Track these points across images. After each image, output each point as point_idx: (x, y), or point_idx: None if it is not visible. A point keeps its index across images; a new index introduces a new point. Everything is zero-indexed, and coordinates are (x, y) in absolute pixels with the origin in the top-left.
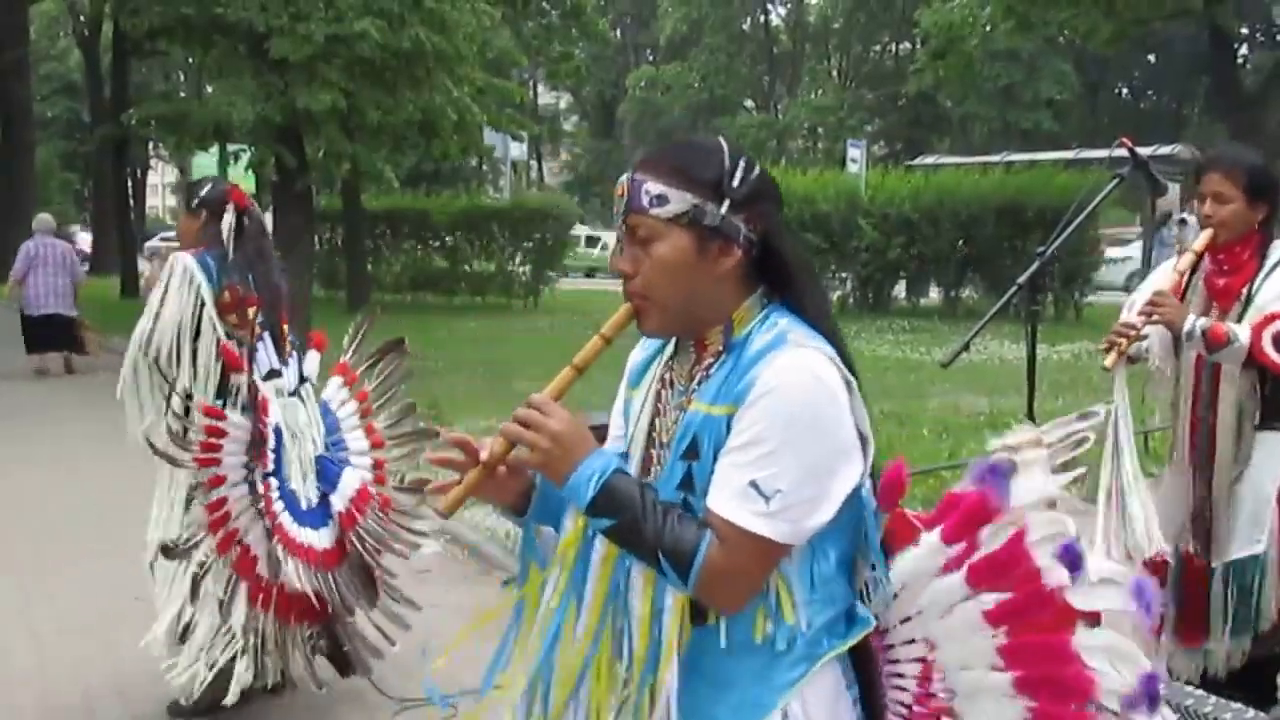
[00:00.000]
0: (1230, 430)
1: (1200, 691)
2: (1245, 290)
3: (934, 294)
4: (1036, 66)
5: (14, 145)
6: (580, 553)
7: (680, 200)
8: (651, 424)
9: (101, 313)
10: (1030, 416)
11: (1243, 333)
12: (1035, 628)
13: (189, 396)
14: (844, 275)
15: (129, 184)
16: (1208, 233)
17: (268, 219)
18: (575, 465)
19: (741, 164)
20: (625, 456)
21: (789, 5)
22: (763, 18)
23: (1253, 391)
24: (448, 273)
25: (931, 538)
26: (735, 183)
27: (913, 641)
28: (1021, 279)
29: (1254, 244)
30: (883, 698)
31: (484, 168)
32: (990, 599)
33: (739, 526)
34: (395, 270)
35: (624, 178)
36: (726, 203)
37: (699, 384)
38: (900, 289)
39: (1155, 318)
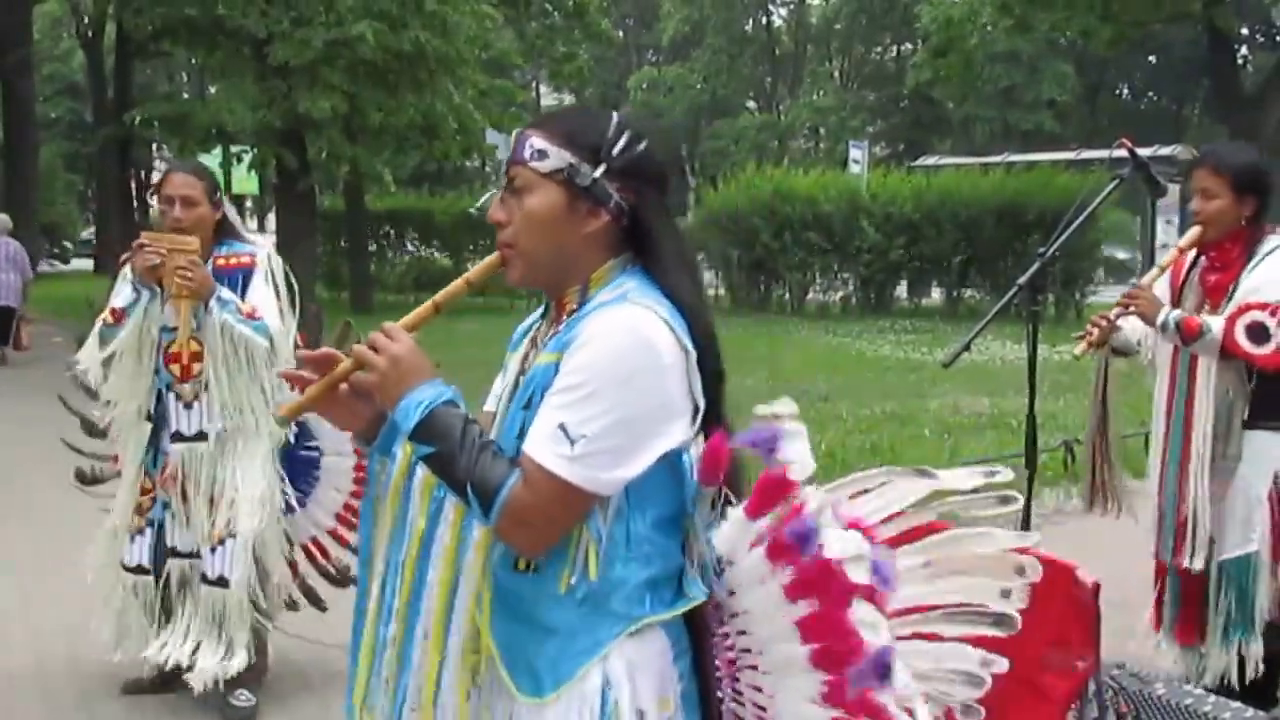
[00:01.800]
0: (1207, 427)
1: (1199, 691)
2: (1234, 285)
3: (935, 294)
4: (1037, 68)
5: (17, 146)
6: (406, 481)
7: (558, 157)
8: (515, 382)
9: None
10: (1031, 417)
11: (1216, 324)
12: (823, 601)
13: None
14: (846, 276)
15: (133, 185)
16: (1195, 229)
17: (270, 219)
18: (407, 390)
19: (626, 135)
20: (494, 415)
21: (791, 6)
22: (765, 19)
23: (1241, 388)
24: (450, 273)
25: (737, 512)
26: (614, 151)
27: (736, 615)
28: (1022, 279)
29: (1243, 240)
30: (714, 670)
31: (487, 168)
32: (787, 573)
33: (542, 466)
34: (398, 271)
35: (514, 131)
36: (602, 167)
37: (549, 339)
38: (902, 289)
39: (1131, 309)
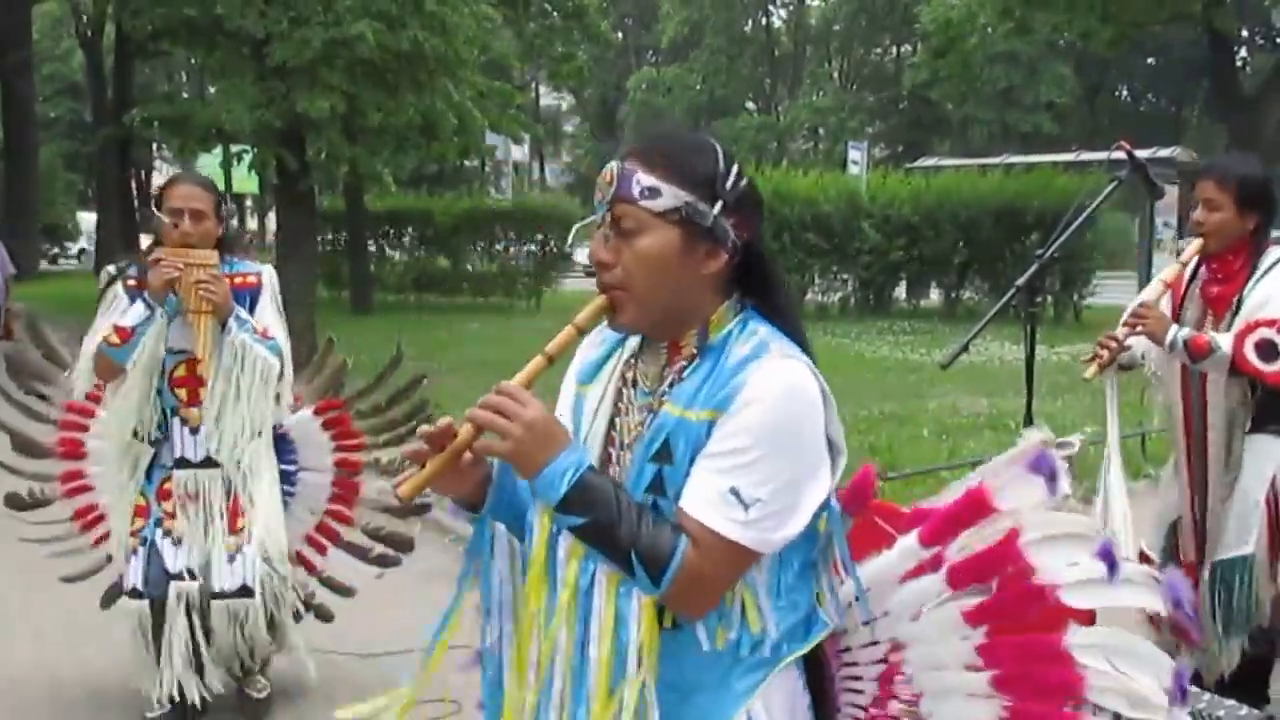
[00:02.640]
0: (1222, 438)
1: (1194, 689)
2: (1237, 298)
3: (934, 295)
4: (1036, 69)
5: (17, 145)
6: (549, 553)
7: (673, 195)
8: (611, 423)
9: None
10: (1029, 418)
11: (1225, 341)
12: (1021, 627)
13: None
14: (845, 276)
15: (133, 185)
16: (1197, 241)
17: (270, 219)
18: (549, 458)
19: (735, 166)
20: None
21: (790, 7)
22: (764, 20)
23: (1244, 398)
24: (450, 273)
25: (908, 541)
26: (728, 185)
27: (874, 644)
28: (1021, 281)
29: (1246, 252)
30: (835, 701)
31: (486, 169)
32: (972, 599)
33: (716, 532)
34: (398, 271)
35: (612, 164)
36: (719, 204)
37: (670, 386)
38: (901, 290)
39: (1139, 329)
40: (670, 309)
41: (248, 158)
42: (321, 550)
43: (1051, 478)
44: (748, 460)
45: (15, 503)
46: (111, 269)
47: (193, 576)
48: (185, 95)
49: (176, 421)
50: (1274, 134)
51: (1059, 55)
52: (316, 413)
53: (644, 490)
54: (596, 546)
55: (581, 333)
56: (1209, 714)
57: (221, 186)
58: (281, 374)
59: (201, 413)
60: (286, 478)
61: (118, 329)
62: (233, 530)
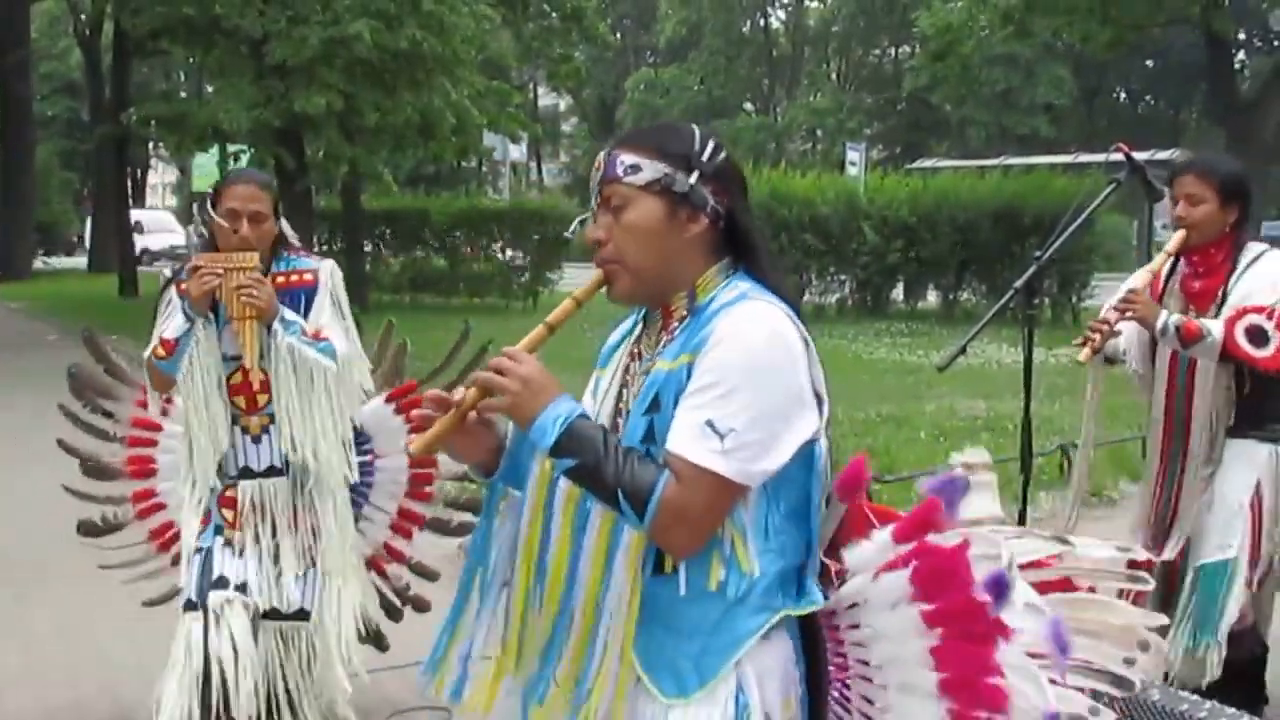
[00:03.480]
0: (1205, 431)
1: (1195, 696)
2: (1221, 291)
3: (932, 297)
4: (1034, 71)
5: (14, 144)
6: (548, 494)
7: (652, 169)
8: (619, 395)
9: (101, 312)
10: (1027, 420)
11: (1215, 327)
12: (966, 635)
13: None
14: (842, 278)
15: (129, 183)
16: (1180, 234)
17: None
18: (541, 407)
19: (711, 143)
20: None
21: (789, 8)
22: (762, 21)
23: (1228, 394)
24: (447, 273)
25: (883, 534)
26: (705, 157)
27: (857, 626)
28: (1019, 283)
29: (1227, 246)
30: (826, 676)
31: (484, 169)
32: (929, 601)
33: (694, 463)
34: (394, 271)
35: (601, 153)
36: (695, 173)
37: (663, 347)
38: (898, 292)
39: (1129, 314)
40: (661, 275)
41: (245, 157)
42: (408, 536)
43: (950, 503)
44: (720, 392)
45: (90, 530)
46: (168, 271)
47: (247, 591)
48: (183, 94)
49: (237, 430)
50: (1272, 136)
51: (1057, 58)
52: (388, 399)
53: (639, 442)
54: (587, 486)
55: (579, 304)
56: None
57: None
58: (345, 377)
59: (261, 420)
60: (363, 469)
61: (163, 341)
62: (293, 547)
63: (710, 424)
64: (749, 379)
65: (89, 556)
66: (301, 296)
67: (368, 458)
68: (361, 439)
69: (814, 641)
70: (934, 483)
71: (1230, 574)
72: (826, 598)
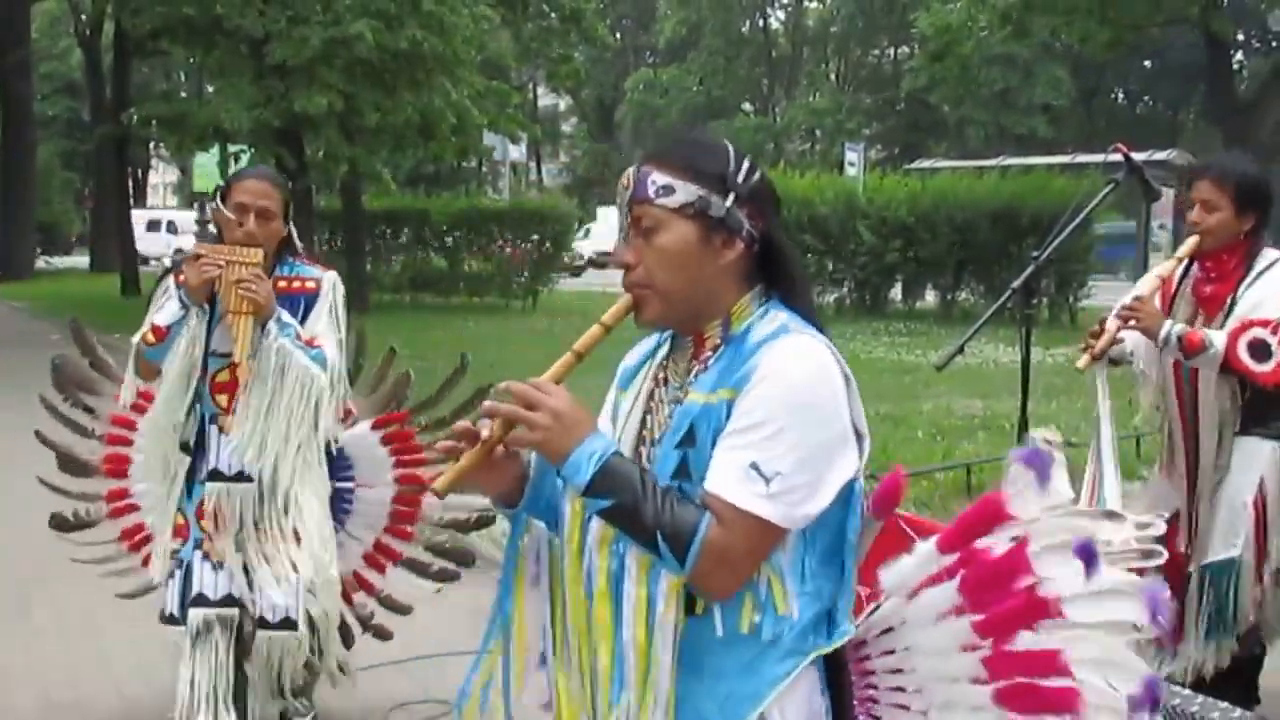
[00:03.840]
0: (1212, 435)
1: (1187, 691)
2: (1230, 298)
3: (930, 297)
4: (1032, 72)
5: (15, 144)
6: (582, 537)
7: (686, 191)
8: (642, 422)
9: (101, 311)
10: (1024, 420)
11: (1218, 339)
12: (1027, 638)
13: None
14: (841, 278)
15: (129, 183)
16: (1193, 239)
17: None
18: (575, 444)
19: (747, 163)
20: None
21: (788, 9)
22: (761, 21)
23: (1233, 398)
24: (446, 273)
25: (927, 546)
26: (740, 179)
27: (891, 652)
28: (1016, 283)
29: (1241, 253)
30: (852, 708)
31: (484, 169)
32: (982, 610)
33: (739, 507)
34: (394, 271)
35: (629, 170)
36: (732, 196)
37: (695, 377)
38: (897, 292)
39: (1132, 323)
40: (692, 301)
41: (245, 157)
42: (380, 569)
43: (1044, 474)
44: (766, 434)
45: (61, 524)
46: (167, 260)
47: (233, 603)
48: (183, 95)
49: (214, 430)
50: (1269, 137)
51: (1055, 58)
52: (375, 427)
53: (670, 476)
54: (623, 528)
55: (607, 330)
56: (1202, 716)
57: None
58: (332, 387)
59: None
60: (342, 495)
61: (154, 327)
62: (271, 555)
63: (755, 466)
64: (795, 419)
65: (89, 554)
66: (301, 303)
67: (350, 484)
68: (343, 463)
69: (839, 674)
70: (1025, 453)
71: (1237, 571)
72: (855, 628)
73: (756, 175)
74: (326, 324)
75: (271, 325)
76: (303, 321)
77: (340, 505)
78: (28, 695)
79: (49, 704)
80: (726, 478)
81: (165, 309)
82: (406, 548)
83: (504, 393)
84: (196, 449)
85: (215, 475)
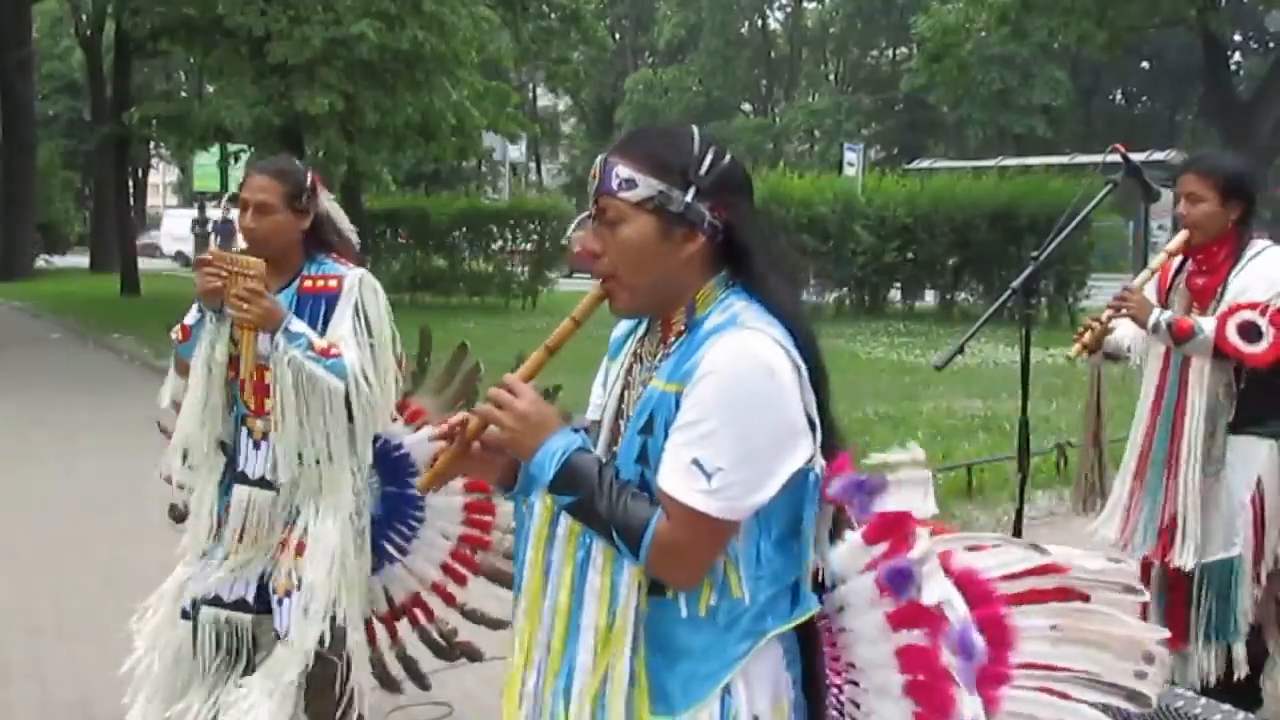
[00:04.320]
0: (1197, 431)
1: (1190, 693)
2: (1221, 288)
3: (929, 297)
4: (1031, 72)
5: (16, 143)
6: (550, 529)
7: (647, 186)
8: (621, 397)
9: (101, 310)
10: (1024, 419)
11: (1207, 324)
12: (922, 636)
13: None
14: (840, 278)
15: (130, 183)
16: (1183, 234)
17: None
18: (540, 443)
19: (710, 152)
20: (598, 424)
21: (787, 10)
22: (761, 22)
23: (1228, 392)
24: (446, 273)
25: (855, 536)
26: (702, 170)
27: (844, 630)
28: (1015, 283)
29: (1230, 244)
30: (824, 679)
31: (483, 169)
32: (891, 602)
33: (682, 503)
34: (394, 270)
35: (598, 160)
36: (692, 190)
37: (660, 361)
38: (896, 292)
39: (1123, 311)
40: (658, 291)
41: (245, 156)
42: (460, 580)
43: (863, 506)
44: (705, 431)
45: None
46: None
47: (246, 608)
48: (184, 94)
49: (244, 431)
50: (1268, 137)
51: (1053, 59)
52: (408, 421)
53: (634, 461)
54: (585, 522)
55: (578, 324)
56: (1205, 719)
57: (218, 186)
58: (359, 395)
59: (265, 425)
60: (412, 503)
61: (182, 326)
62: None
63: (697, 463)
64: (734, 416)
65: (90, 552)
66: (323, 303)
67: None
68: (410, 469)
69: (811, 644)
70: (840, 485)
71: (1236, 571)
72: (822, 602)
73: (722, 163)
74: (349, 327)
75: (279, 338)
76: (326, 321)
77: (409, 514)
78: (28, 694)
79: (49, 703)
80: (672, 473)
81: (191, 309)
82: (487, 557)
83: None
84: (232, 450)
85: (241, 478)
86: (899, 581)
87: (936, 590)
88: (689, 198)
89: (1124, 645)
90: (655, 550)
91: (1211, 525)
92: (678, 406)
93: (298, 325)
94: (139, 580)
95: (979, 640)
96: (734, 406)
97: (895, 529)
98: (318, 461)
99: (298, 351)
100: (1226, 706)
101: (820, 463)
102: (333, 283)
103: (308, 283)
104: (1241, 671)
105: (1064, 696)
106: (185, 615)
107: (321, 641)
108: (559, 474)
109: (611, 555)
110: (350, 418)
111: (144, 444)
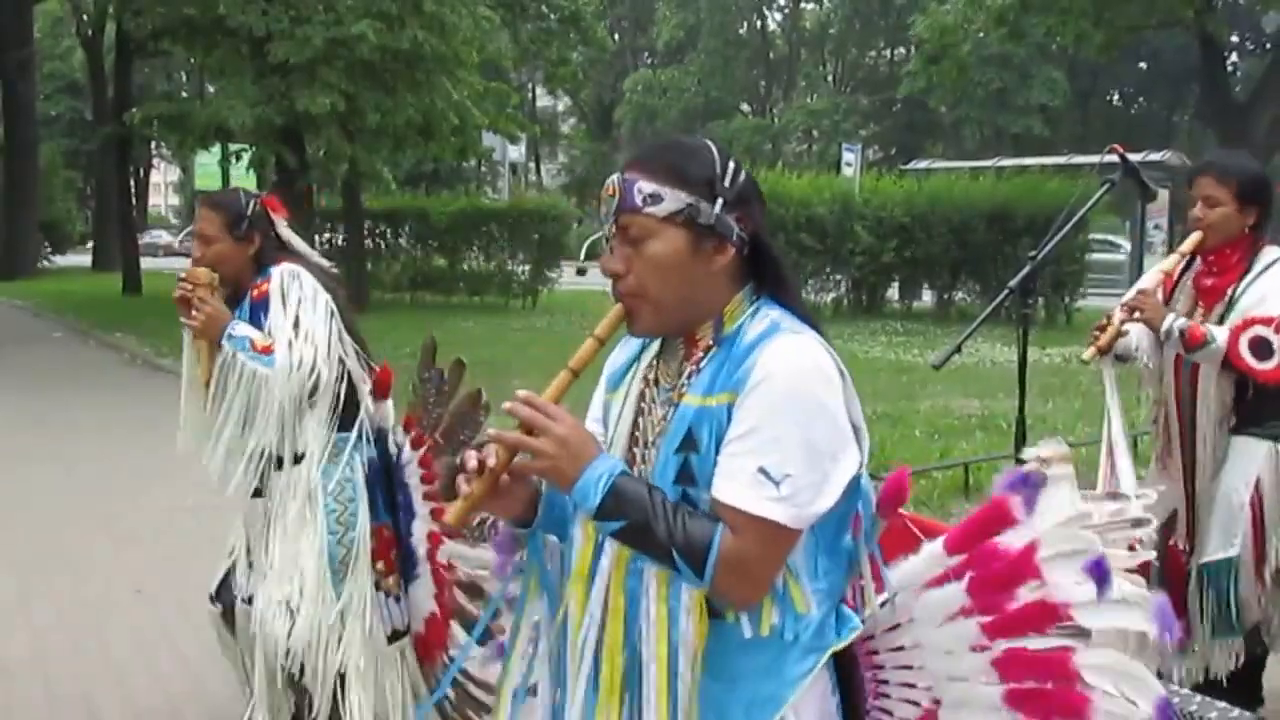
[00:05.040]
0: (1212, 431)
1: (1186, 690)
2: (1230, 291)
3: (926, 297)
4: (1028, 73)
5: (17, 143)
6: (594, 561)
7: (674, 199)
8: (634, 424)
9: (105, 310)
10: (1021, 418)
11: (1220, 335)
12: (1037, 642)
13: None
14: (838, 278)
15: (131, 183)
16: (1196, 235)
17: None
18: (582, 469)
19: (732, 164)
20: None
21: (785, 10)
22: (759, 23)
23: (1231, 394)
24: (446, 273)
25: (934, 546)
26: (727, 182)
27: (900, 649)
28: (1013, 283)
29: (1244, 248)
30: (864, 704)
31: (483, 169)
32: (990, 612)
33: (751, 514)
34: (394, 270)
35: (614, 178)
36: (720, 201)
37: (689, 378)
38: (893, 292)
39: (1136, 315)
40: (685, 308)
41: (246, 156)
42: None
43: (1030, 500)
44: (770, 437)
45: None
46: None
47: (249, 603)
48: (185, 94)
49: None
50: (1263, 139)
51: (1051, 59)
52: (413, 445)
53: (673, 481)
54: (638, 547)
55: (601, 343)
56: (1201, 716)
57: (219, 185)
58: (279, 390)
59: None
60: (409, 525)
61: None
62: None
63: (764, 471)
64: (797, 419)
65: (89, 550)
66: (262, 308)
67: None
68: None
69: (850, 671)
70: (1007, 479)
71: (1235, 570)
72: (864, 622)
73: (742, 176)
74: (274, 321)
75: (224, 343)
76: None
77: (407, 522)
78: (31, 689)
79: (53, 698)
80: (736, 484)
81: None
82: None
83: (508, 414)
84: None
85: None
86: (1100, 576)
87: (1068, 586)
88: (717, 209)
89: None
90: (723, 567)
91: (1211, 525)
92: (729, 418)
93: (241, 329)
94: (139, 579)
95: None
96: (796, 411)
97: (978, 536)
98: (281, 463)
99: (243, 354)
100: (1223, 704)
101: (865, 472)
102: (264, 284)
103: (255, 292)
104: (1232, 665)
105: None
106: (212, 600)
107: (300, 669)
108: (606, 499)
109: (666, 579)
110: (330, 412)
111: (144, 442)
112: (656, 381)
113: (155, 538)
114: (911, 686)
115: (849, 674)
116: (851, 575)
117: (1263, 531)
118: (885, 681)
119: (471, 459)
